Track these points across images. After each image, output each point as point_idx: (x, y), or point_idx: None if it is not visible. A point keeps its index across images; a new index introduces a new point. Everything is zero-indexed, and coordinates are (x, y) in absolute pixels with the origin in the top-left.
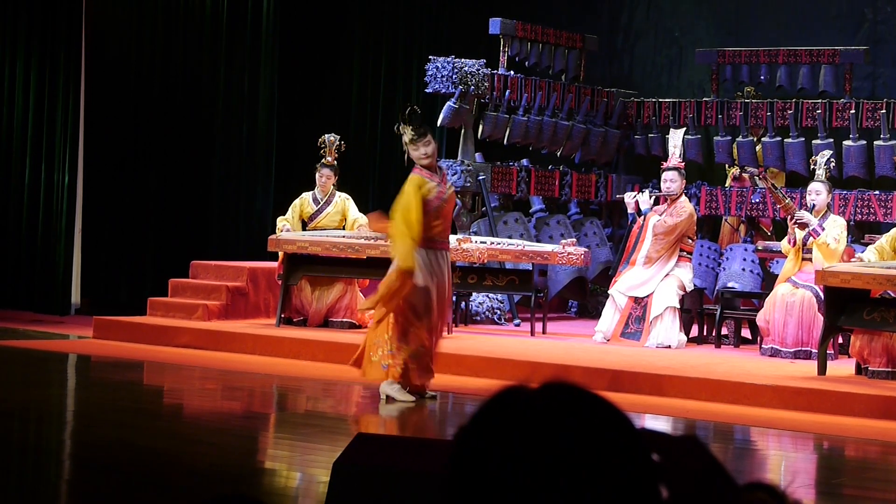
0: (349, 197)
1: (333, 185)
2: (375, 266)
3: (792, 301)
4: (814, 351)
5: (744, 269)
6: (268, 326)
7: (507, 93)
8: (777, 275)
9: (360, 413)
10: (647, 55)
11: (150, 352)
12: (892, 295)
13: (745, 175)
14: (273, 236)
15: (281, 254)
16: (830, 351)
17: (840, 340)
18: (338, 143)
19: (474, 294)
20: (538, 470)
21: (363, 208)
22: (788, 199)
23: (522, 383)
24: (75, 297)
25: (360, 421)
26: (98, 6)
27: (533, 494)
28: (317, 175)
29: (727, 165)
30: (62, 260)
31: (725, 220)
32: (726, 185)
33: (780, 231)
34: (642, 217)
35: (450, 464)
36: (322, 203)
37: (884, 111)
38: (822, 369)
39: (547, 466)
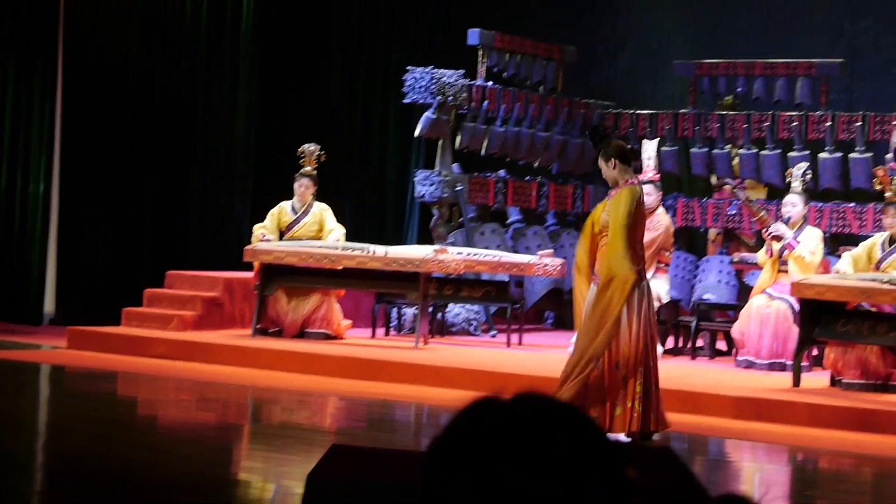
0: (327, 207)
1: (312, 194)
2: (351, 277)
3: (767, 313)
4: (788, 363)
5: (719, 281)
6: (243, 337)
7: (484, 103)
8: (752, 286)
9: (334, 424)
10: (626, 67)
11: (125, 362)
12: (867, 307)
13: (727, 187)
14: (249, 246)
15: (257, 264)
16: (805, 363)
17: (815, 352)
18: (317, 152)
19: (451, 305)
20: (511, 481)
21: (341, 219)
22: (763, 212)
23: (495, 394)
24: (49, 306)
25: (335, 432)
26: (75, 14)
27: None
28: (295, 185)
29: (714, 176)
30: (36, 269)
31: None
32: (710, 197)
33: (760, 242)
34: None
35: (424, 475)
36: (300, 213)
37: (860, 124)
38: (796, 381)
39: (520, 477)
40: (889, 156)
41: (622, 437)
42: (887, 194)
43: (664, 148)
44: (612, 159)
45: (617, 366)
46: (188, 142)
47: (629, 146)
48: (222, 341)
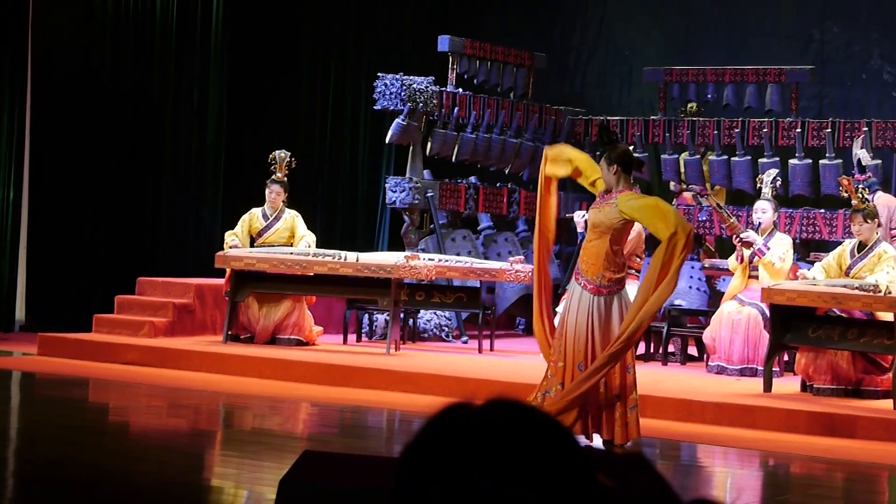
0: (298, 214)
1: (283, 201)
2: (323, 283)
3: (738, 319)
4: (759, 368)
5: (690, 287)
6: (214, 343)
7: (455, 110)
8: (723, 292)
9: (306, 430)
10: (597, 73)
11: (96, 369)
12: (838, 313)
13: (689, 194)
14: (220, 253)
15: (228, 270)
16: (776, 368)
17: (786, 358)
18: (288, 159)
19: (422, 311)
20: (482, 487)
21: (311, 224)
22: (733, 218)
23: (467, 400)
24: (20, 313)
25: (307, 438)
26: (45, 19)
27: None
28: (266, 191)
29: (672, 183)
30: (6, 276)
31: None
32: (673, 203)
33: (723, 248)
34: None
35: (396, 481)
36: (271, 219)
37: (829, 130)
38: (767, 386)
39: (491, 483)
40: (855, 170)
41: (597, 441)
42: (853, 202)
43: (635, 154)
44: (615, 165)
45: (580, 366)
46: (158, 148)
47: (636, 156)
48: (194, 348)
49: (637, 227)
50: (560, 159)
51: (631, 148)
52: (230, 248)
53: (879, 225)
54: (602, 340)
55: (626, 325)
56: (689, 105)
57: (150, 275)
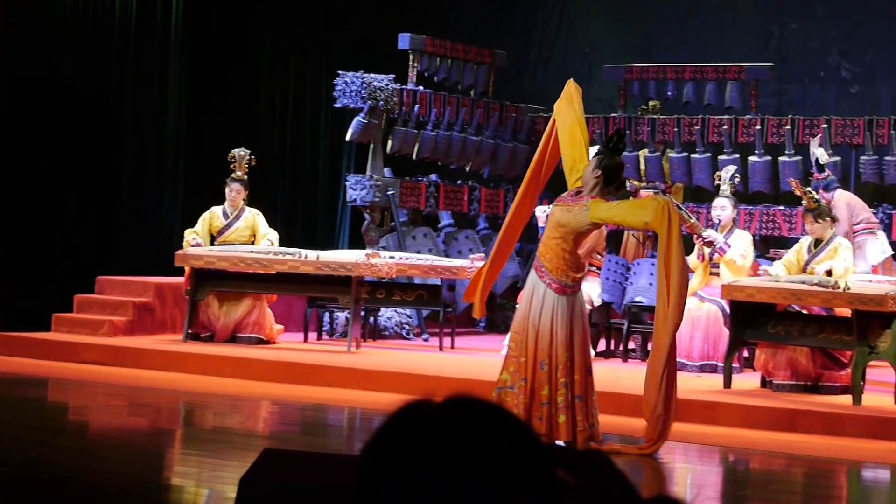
0: (259, 212)
1: (243, 199)
2: (283, 281)
3: (698, 315)
4: (720, 364)
5: (651, 284)
6: (174, 342)
7: (416, 108)
8: None
9: (267, 429)
10: (557, 71)
11: (55, 368)
12: (797, 309)
13: (648, 192)
14: (180, 251)
15: (188, 269)
16: (736, 364)
17: (745, 354)
18: (248, 157)
19: (382, 309)
20: (443, 484)
21: (272, 222)
22: (693, 218)
23: (427, 397)
24: None
25: (268, 436)
26: (4, 14)
27: None
28: (227, 190)
29: (629, 181)
30: None
31: (632, 234)
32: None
33: (687, 246)
34: None
35: (355, 478)
36: (232, 217)
37: (789, 127)
38: (727, 383)
39: (451, 480)
40: (813, 169)
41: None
42: (804, 202)
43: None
44: (601, 171)
45: (542, 365)
46: (118, 146)
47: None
48: (153, 346)
49: None
50: (568, 125)
51: (595, 149)
52: (192, 245)
53: (835, 221)
54: (565, 340)
55: (669, 312)
56: (652, 103)
57: (109, 273)
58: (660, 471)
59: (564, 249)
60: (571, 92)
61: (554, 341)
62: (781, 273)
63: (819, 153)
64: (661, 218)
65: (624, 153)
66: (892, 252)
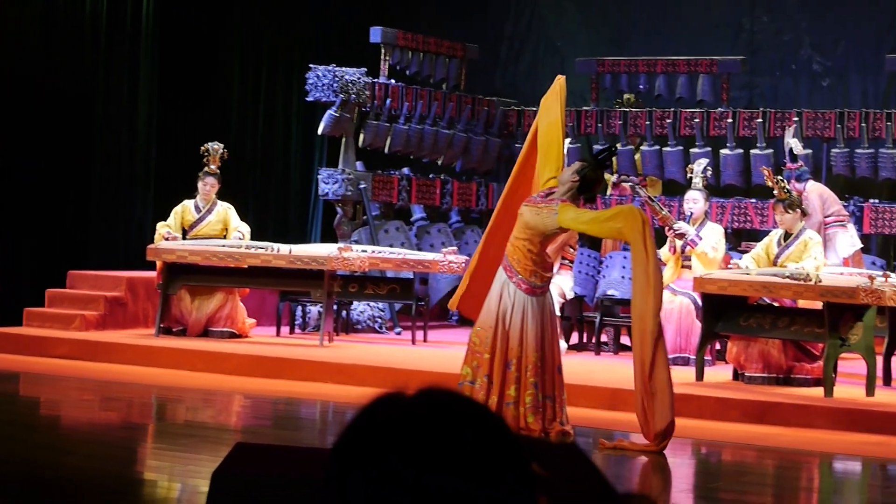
0: (231, 206)
1: (215, 193)
2: (256, 275)
3: (670, 308)
4: (692, 357)
5: (623, 277)
6: (146, 336)
7: (388, 101)
8: None
9: (239, 423)
10: (529, 64)
11: (27, 363)
12: (768, 301)
13: (626, 185)
14: (152, 245)
15: (160, 263)
16: (708, 357)
17: (717, 347)
18: (221, 151)
19: (355, 302)
20: (415, 477)
21: (244, 216)
22: (665, 210)
23: (399, 390)
24: None
25: (240, 431)
26: None
27: (411, 501)
28: (200, 183)
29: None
30: None
31: None
32: (607, 194)
33: (659, 238)
34: None
35: (327, 471)
36: (204, 211)
37: (760, 120)
38: (699, 375)
39: (424, 473)
40: (786, 156)
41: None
42: (776, 192)
43: (567, 145)
44: (580, 179)
45: (510, 364)
46: (89, 141)
47: (599, 194)
48: (126, 341)
49: None
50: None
51: (567, 141)
52: (165, 239)
53: (805, 214)
54: (535, 340)
55: (645, 316)
56: (626, 96)
57: (80, 268)
58: (633, 464)
59: (531, 251)
60: (560, 89)
61: (524, 341)
62: (751, 266)
63: (793, 143)
64: (634, 226)
65: (597, 146)
66: (862, 245)
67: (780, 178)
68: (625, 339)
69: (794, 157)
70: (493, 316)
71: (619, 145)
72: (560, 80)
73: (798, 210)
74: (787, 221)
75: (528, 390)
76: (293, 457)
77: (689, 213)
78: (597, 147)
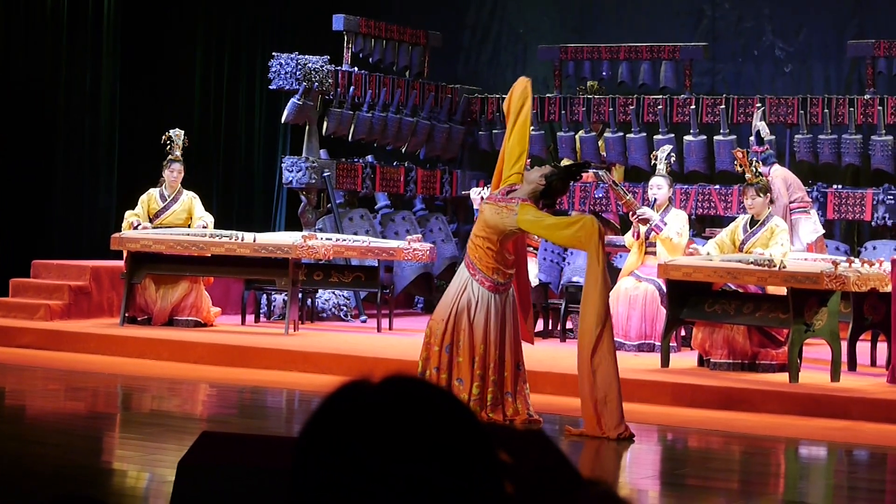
0: (196, 195)
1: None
2: (220, 264)
3: (635, 294)
4: (657, 344)
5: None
6: (111, 326)
7: (351, 89)
8: (620, 269)
9: (205, 412)
10: (492, 52)
11: None
12: (733, 288)
13: (590, 171)
14: (116, 234)
15: (125, 252)
16: (673, 343)
17: (683, 333)
18: (183, 138)
19: (320, 291)
20: (381, 464)
21: (208, 206)
22: (629, 195)
23: (364, 378)
24: None
25: (206, 420)
26: None
27: (376, 489)
28: (166, 171)
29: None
30: None
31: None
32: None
33: (624, 225)
34: None
35: (293, 459)
36: (169, 200)
37: (723, 106)
38: (665, 362)
39: (389, 461)
40: (752, 138)
41: None
42: (747, 175)
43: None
44: (546, 183)
45: (473, 361)
46: (51, 129)
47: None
48: (90, 330)
49: None
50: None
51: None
52: (134, 228)
53: (772, 201)
54: (496, 338)
55: (591, 319)
56: (589, 83)
57: (45, 257)
58: (598, 450)
59: (491, 249)
60: (527, 92)
61: (487, 338)
62: (714, 252)
63: (761, 126)
64: (591, 237)
65: (560, 133)
66: (824, 231)
67: (756, 158)
68: None
69: (760, 140)
70: (448, 309)
71: (582, 132)
72: (528, 84)
73: (768, 194)
74: (757, 206)
75: (490, 388)
76: (259, 446)
77: (654, 200)
78: (559, 135)
